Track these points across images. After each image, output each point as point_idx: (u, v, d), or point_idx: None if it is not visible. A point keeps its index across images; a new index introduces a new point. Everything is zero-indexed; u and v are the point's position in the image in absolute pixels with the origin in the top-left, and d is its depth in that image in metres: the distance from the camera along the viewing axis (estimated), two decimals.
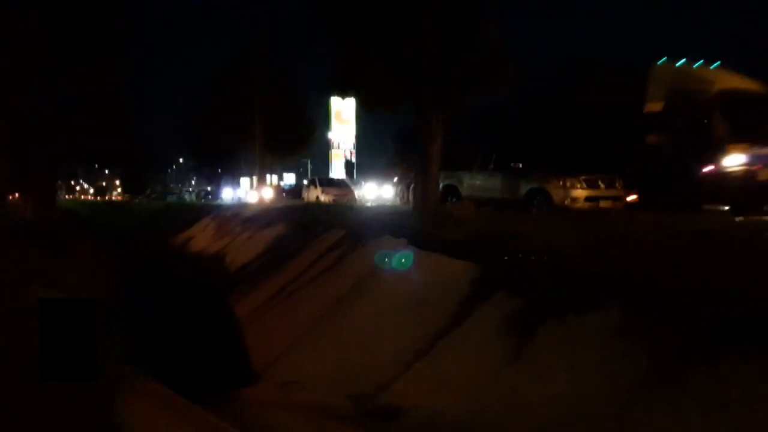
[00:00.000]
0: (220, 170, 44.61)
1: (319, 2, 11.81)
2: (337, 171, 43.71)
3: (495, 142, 14.43)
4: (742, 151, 10.65)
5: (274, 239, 13.25)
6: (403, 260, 7.43)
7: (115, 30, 17.91)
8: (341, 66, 12.19)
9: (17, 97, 13.29)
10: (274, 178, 46.13)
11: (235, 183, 51.11)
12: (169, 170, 79.27)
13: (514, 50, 11.45)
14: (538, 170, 11.72)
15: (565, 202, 10.77)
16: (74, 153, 23.59)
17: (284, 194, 32.50)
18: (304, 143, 35.90)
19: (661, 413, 3.22)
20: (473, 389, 4.42)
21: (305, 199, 24.95)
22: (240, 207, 22.79)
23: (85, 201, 69.33)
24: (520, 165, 12.26)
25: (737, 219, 8.76)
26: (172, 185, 78.81)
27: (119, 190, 74.61)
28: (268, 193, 26.88)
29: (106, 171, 72.82)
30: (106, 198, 75.55)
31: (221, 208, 23.91)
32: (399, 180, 19.31)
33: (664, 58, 12.51)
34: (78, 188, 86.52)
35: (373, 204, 20.47)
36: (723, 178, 10.56)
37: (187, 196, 55.39)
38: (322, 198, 23.42)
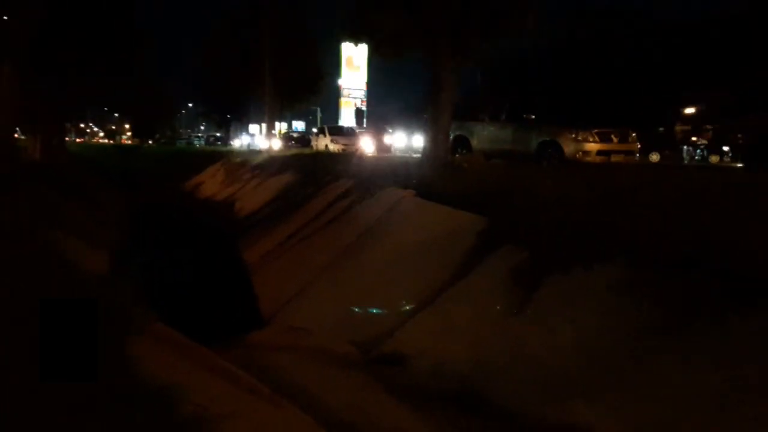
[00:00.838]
0: (229, 116, 44.28)
1: None
2: (346, 119, 43.24)
3: (508, 92, 14.15)
4: None
5: (282, 187, 13.28)
6: (410, 211, 7.43)
7: None
8: (357, 8, 11.86)
9: (25, 38, 13.11)
10: (284, 125, 45.81)
11: (245, 129, 50.83)
12: (179, 115, 78.68)
13: None
14: (550, 122, 11.52)
15: (577, 156, 10.63)
16: (83, 95, 23.42)
17: (293, 142, 32.31)
18: (313, 90, 35.41)
19: (667, 364, 3.26)
20: (477, 339, 4.49)
21: (314, 148, 24.78)
22: (250, 154, 22.74)
23: (95, 144, 69.40)
24: (533, 116, 12.05)
25: None
26: (181, 130, 78.56)
27: (129, 134, 74.47)
28: (275, 144, 26.73)
29: (116, 115, 72.52)
30: (116, 142, 75.52)
31: (231, 155, 23.88)
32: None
33: None
34: (88, 131, 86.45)
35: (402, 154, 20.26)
36: None
37: (196, 142, 55.30)
38: (331, 147, 23.24)
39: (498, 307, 4.65)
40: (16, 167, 12.11)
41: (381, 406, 3.70)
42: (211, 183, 20.17)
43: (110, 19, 18.00)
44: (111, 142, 75.86)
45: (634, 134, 11.40)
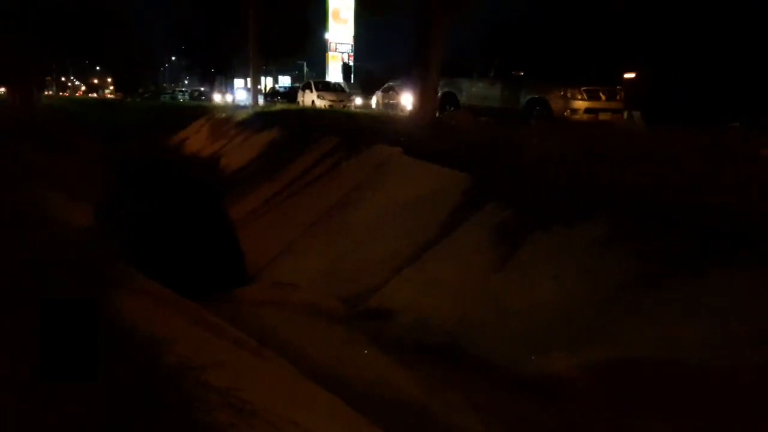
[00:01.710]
0: (213, 70, 43.32)
1: None
2: (334, 74, 42.48)
3: (498, 48, 13.96)
4: None
5: (268, 144, 13.14)
6: (398, 169, 7.41)
7: None
8: None
9: None
10: (269, 80, 44.98)
11: (230, 84, 49.84)
12: (162, 69, 76.91)
13: None
14: (538, 79, 11.44)
15: (565, 113, 10.61)
16: (61, 47, 22.73)
17: (279, 98, 31.74)
18: (300, 44, 34.61)
19: (646, 318, 3.34)
20: (461, 294, 4.56)
21: (300, 104, 24.38)
22: (235, 110, 22.38)
23: (78, 98, 67.79)
24: (522, 73, 11.94)
25: None
26: (165, 85, 76.89)
27: (111, 88, 72.81)
28: (259, 100, 26.07)
29: (98, 68, 70.72)
30: (98, 95, 73.92)
31: (216, 110, 23.50)
32: None
33: None
34: (70, 85, 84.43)
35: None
36: None
37: (180, 97, 54.20)
38: (318, 103, 22.87)
39: (482, 264, 4.70)
40: None
41: (366, 358, 3.77)
42: (195, 139, 19.89)
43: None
44: (96, 95, 74.26)
45: (623, 92, 11.37)
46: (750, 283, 3.11)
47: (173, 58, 65.75)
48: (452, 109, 12.79)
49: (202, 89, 51.06)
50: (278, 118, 15.09)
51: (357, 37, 44.13)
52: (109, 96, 70.63)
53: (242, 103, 29.72)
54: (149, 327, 1.98)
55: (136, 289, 2.74)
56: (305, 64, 51.10)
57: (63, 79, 73.97)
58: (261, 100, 27.12)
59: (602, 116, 10.72)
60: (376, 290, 5.15)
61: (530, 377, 3.40)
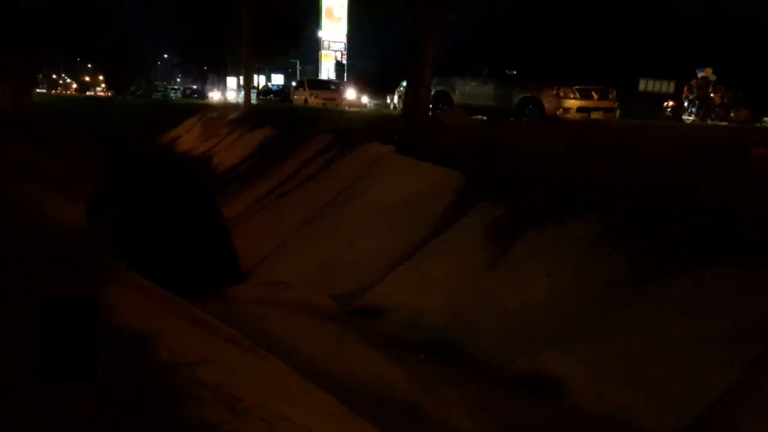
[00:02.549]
0: (206, 68, 43.17)
1: None
2: (327, 73, 42.38)
3: (491, 47, 13.98)
4: None
5: (261, 142, 13.11)
6: (391, 167, 7.40)
7: None
8: None
9: None
10: (262, 78, 44.84)
11: (222, 82, 49.67)
12: (154, 67, 76.50)
13: None
14: (531, 78, 11.46)
15: (557, 112, 10.64)
16: (52, 43, 22.54)
17: (271, 96, 31.59)
18: (293, 42, 34.51)
19: (637, 315, 3.35)
20: (454, 292, 4.57)
21: (293, 102, 24.30)
22: (227, 108, 22.31)
23: (69, 96, 67.28)
24: (515, 72, 11.96)
25: None
26: (157, 82, 76.51)
27: (103, 86, 72.31)
28: (252, 98, 26.04)
29: (89, 66, 70.25)
30: (89, 93, 73.34)
31: (208, 108, 23.42)
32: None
33: None
34: (61, 83, 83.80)
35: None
36: None
37: (172, 94, 53.91)
38: (311, 101, 22.81)
39: (475, 262, 4.71)
40: None
41: (359, 355, 3.77)
42: (188, 137, 19.81)
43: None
44: (89, 93, 73.72)
45: (614, 92, 11.41)
46: (740, 280, 3.13)
47: (165, 55, 65.51)
48: (445, 107, 12.79)
49: (195, 87, 50.86)
50: (271, 117, 15.06)
51: (350, 35, 44.03)
52: (100, 94, 70.13)
53: (234, 102, 29.67)
54: (141, 324, 1.97)
55: (128, 286, 2.73)
56: (298, 62, 50.95)
57: (54, 76, 73.46)
58: (254, 98, 27.05)
59: (594, 115, 10.76)
60: (369, 288, 5.15)
61: (523, 374, 3.41)
